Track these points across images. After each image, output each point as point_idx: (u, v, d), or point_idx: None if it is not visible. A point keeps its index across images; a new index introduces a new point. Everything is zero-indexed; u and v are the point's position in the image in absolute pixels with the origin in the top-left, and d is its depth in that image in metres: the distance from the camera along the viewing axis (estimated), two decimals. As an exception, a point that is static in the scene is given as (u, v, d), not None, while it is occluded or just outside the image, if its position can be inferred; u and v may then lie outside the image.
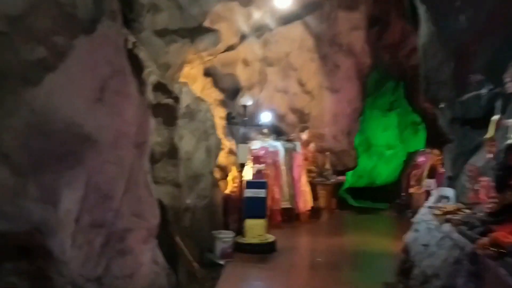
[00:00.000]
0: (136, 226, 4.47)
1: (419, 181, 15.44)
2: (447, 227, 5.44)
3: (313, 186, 14.44)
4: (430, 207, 6.48)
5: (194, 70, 12.73)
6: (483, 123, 6.88)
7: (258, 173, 12.06)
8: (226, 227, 11.15)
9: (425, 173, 15.39)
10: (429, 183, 6.57)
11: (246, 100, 10.95)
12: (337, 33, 16.09)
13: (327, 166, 14.86)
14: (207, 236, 9.35)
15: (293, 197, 13.04)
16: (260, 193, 10.09)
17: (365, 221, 14.77)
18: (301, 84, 15.47)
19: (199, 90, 12.81)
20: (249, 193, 10.03)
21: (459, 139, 7.65)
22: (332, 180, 14.70)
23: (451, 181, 7.49)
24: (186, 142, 8.78)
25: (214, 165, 10.02)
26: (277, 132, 14.60)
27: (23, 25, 3.51)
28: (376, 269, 9.14)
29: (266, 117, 13.15)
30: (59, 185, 3.65)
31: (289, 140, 13.77)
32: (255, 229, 9.92)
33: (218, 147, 10.05)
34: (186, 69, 12.18)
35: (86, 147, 3.85)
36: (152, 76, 7.40)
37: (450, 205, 6.24)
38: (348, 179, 18.54)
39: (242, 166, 10.95)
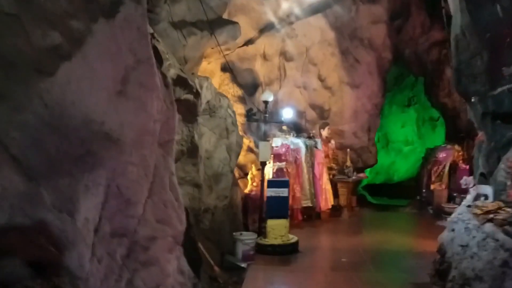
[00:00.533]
0: (161, 234, 4.00)
1: (440, 178, 14.93)
2: (489, 227, 5.03)
3: (333, 183, 13.97)
4: (468, 206, 5.97)
5: (212, 65, 12.32)
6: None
7: (279, 171, 11.62)
8: (246, 228, 10.75)
9: (447, 169, 14.89)
10: (467, 180, 6.09)
11: (268, 95, 10.45)
12: (358, 27, 15.58)
13: (348, 163, 14.34)
14: (228, 238, 8.90)
15: (314, 195, 12.55)
16: (282, 192, 9.60)
17: (386, 219, 14.30)
18: (321, 79, 14.99)
19: (217, 86, 12.40)
20: (271, 192, 9.54)
21: (491, 134, 7.25)
22: (353, 178, 14.18)
23: (485, 178, 7.05)
24: (206, 140, 8.34)
25: (234, 164, 9.57)
26: (296, 128, 14.14)
27: (34, 6, 3.05)
28: (403, 269, 8.73)
29: (287, 114, 12.66)
30: (76, 190, 3.18)
31: (310, 137, 13.26)
32: (277, 230, 9.43)
33: (239, 145, 9.60)
34: (203, 64, 11.81)
35: (107, 147, 3.37)
36: (171, 69, 6.95)
37: (491, 203, 5.68)
38: (367, 172, 17.97)
39: (262, 164, 10.47)
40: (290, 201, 11.77)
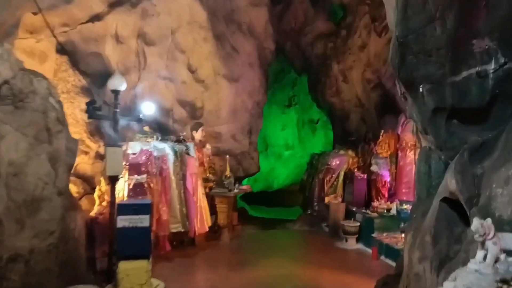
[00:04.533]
0: None
1: (334, 188, 12.82)
2: None
3: (209, 197, 11.18)
4: (503, 281, 2.94)
5: (43, 44, 9.10)
6: (485, 116, 4.33)
7: (137, 188, 8.62)
8: (93, 266, 7.72)
9: (341, 178, 12.83)
10: (486, 226, 2.80)
11: (118, 82, 7.39)
12: (235, 8, 13.12)
13: (227, 172, 11.63)
14: (56, 296, 5.75)
15: (186, 216, 9.62)
16: (141, 220, 6.59)
17: (276, 240, 11.72)
18: (192, 70, 12.18)
19: (51, 73, 9.19)
20: (123, 221, 6.48)
21: (444, 140, 4.93)
22: (235, 191, 11.50)
23: (454, 208, 4.47)
24: (10, 146, 5.16)
25: (66, 182, 6.37)
26: (162, 130, 11.21)
27: None
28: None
29: (148, 109, 9.54)
30: None
31: (179, 141, 10.31)
32: (134, 276, 6.42)
33: (73, 153, 6.43)
34: (30, 42, 8.73)
35: None
36: None
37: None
38: (244, 183, 15.38)
39: (112, 179, 7.39)
40: (154, 227, 8.84)
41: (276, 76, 18.58)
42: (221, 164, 12.42)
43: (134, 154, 8.79)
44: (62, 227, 6.38)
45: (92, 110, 7.20)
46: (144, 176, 8.70)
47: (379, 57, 13.96)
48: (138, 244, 6.62)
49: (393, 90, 13.56)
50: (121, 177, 8.10)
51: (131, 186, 8.57)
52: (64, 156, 5.98)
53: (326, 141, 20.09)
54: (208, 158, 11.55)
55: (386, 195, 11.81)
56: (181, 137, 10.56)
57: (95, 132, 9.70)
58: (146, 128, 10.01)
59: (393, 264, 8.70)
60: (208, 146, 11.66)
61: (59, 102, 5.92)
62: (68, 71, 9.47)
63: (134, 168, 8.68)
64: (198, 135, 11.39)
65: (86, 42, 9.97)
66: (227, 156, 12.04)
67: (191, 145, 10.37)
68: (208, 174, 11.38)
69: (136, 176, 8.63)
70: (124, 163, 8.33)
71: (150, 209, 6.99)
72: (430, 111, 4.89)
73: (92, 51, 10.05)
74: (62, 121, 5.88)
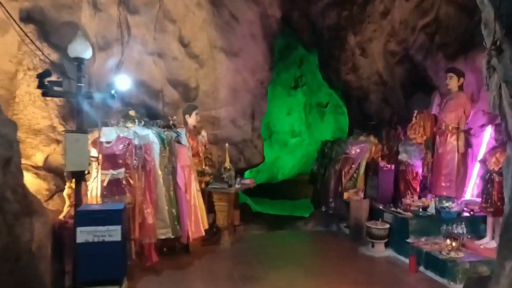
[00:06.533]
0: None
1: (353, 182, 10.92)
2: None
3: (206, 193, 9.42)
4: None
5: (2, 11, 7.22)
6: None
7: (113, 186, 6.83)
8: (61, 283, 6.06)
9: (362, 170, 10.90)
10: None
11: (81, 48, 5.59)
12: (234, -31, 11.19)
13: (227, 164, 9.80)
14: None
15: (177, 219, 7.82)
16: (111, 233, 4.85)
17: (288, 245, 9.89)
18: (184, 43, 10.34)
19: (15, 46, 7.43)
20: (85, 235, 4.75)
21: None
22: (237, 186, 9.68)
23: None
24: None
25: (11, 180, 4.54)
26: (150, 115, 9.45)
27: None
28: None
29: (122, 83, 7.55)
30: None
31: (168, 127, 8.49)
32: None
33: (8, 142, 4.60)
34: None
35: None
36: None
37: None
38: (247, 175, 13.58)
39: (77, 176, 5.62)
40: (137, 234, 7.08)
41: (282, 53, 16.50)
42: (219, 154, 10.63)
43: (108, 142, 6.94)
44: (6, 241, 4.62)
45: (45, 85, 5.37)
46: (122, 170, 6.87)
47: (406, 24, 11.83)
48: (105, 265, 4.91)
49: (424, 64, 11.63)
50: (96, 169, 6.33)
51: (105, 184, 6.76)
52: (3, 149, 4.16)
53: (337, 127, 18.25)
54: (204, 147, 9.69)
55: (418, 189, 9.99)
56: (172, 122, 8.75)
57: (69, 116, 7.87)
58: (131, 113, 8.21)
59: (437, 278, 7.01)
60: (203, 133, 9.82)
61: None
62: (36, 43, 7.61)
63: (109, 161, 6.84)
64: (191, 120, 9.50)
65: (57, 9, 8.05)
66: (227, 144, 10.19)
67: (182, 131, 8.52)
68: (204, 166, 9.53)
69: (111, 171, 6.81)
70: (95, 154, 6.58)
71: (123, 216, 5.24)
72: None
73: (65, 21, 8.14)
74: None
